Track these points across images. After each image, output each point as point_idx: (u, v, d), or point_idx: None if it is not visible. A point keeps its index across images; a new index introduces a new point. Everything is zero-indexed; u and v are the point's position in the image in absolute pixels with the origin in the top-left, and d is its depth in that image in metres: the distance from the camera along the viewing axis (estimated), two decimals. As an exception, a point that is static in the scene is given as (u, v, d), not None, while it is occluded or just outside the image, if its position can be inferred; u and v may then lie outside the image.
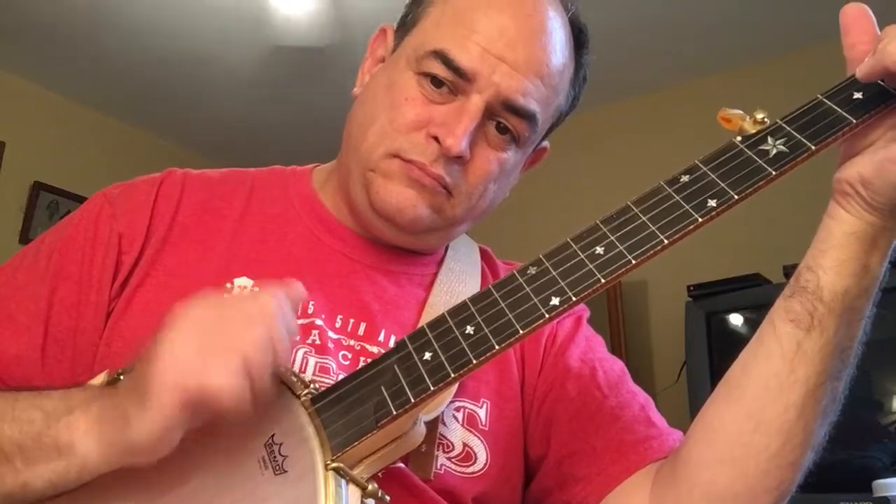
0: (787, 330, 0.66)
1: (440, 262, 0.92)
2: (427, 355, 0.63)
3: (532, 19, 0.82)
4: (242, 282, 0.81)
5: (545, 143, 0.95)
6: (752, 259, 2.48)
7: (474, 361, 0.61)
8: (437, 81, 0.81)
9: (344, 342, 0.81)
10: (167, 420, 0.56)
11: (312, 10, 2.66)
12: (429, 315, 0.83)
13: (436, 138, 0.79)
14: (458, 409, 0.81)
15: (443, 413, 0.78)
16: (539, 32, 0.82)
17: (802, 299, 0.65)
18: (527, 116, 0.83)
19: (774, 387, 0.67)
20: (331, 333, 0.81)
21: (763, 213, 2.36)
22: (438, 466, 0.77)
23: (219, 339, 0.56)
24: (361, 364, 0.78)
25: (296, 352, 0.78)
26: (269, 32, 2.78)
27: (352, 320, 0.82)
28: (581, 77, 0.91)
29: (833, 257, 0.64)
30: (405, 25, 0.88)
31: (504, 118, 0.82)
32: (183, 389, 0.55)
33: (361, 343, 0.81)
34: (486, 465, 0.80)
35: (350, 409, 0.63)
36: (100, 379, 0.71)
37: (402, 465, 0.74)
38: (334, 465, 0.60)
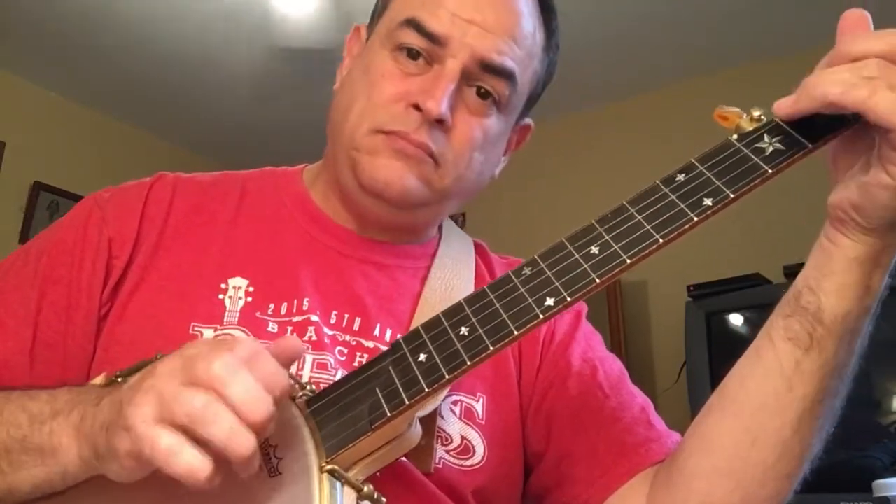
0: (786, 348, 0.66)
1: (433, 255, 0.92)
2: (422, 356, 0.63)
3: None
4: (237, 282, 0.81)
5: (528, 121, 0.95)
6: (752, 259, 2.49)
7: (469, 363, 0.61)
8: (412, 53, 0.82)
9: (339, 338, 0.81)
10: (129, 472, 0.56)
11: (313, 11, 2.66)
12: (423, 308, 0.83)
13: (416, 106, 0.80)
14: (455, 403, 0.81)
15: (441, 407, 0.78)
16: None
17: (802, 320, 0.65)
18: (505, 75, 0.83)
19: (773, 404, 0.67)
20: (326, 330, 0.81)
21: (763, 213, 2.36)
22: (437, 460, 0.77)
23: (166, 407, 0.54)
24: (358, 359, 0.78)
25: None
26: (270, 33, 2.78)
27: (346, 316, 0.83)
28: (554, 44, 0.91)
29: (835, 282, 0.63)
30: (375, 15, 0.90)
31: (482, 81, 0.82)
32: (134, 458, 0.54)
33: (357, 338, 0.81)
34: (483, 458, 0.80)
35: (345, 410, 0.63)
36: (98, 381, 0.70)
37: (403, 458, 0.74)
38: (329, 467, 0.60)
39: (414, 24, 0.81)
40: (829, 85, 0.56)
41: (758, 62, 2.81)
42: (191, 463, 0.53)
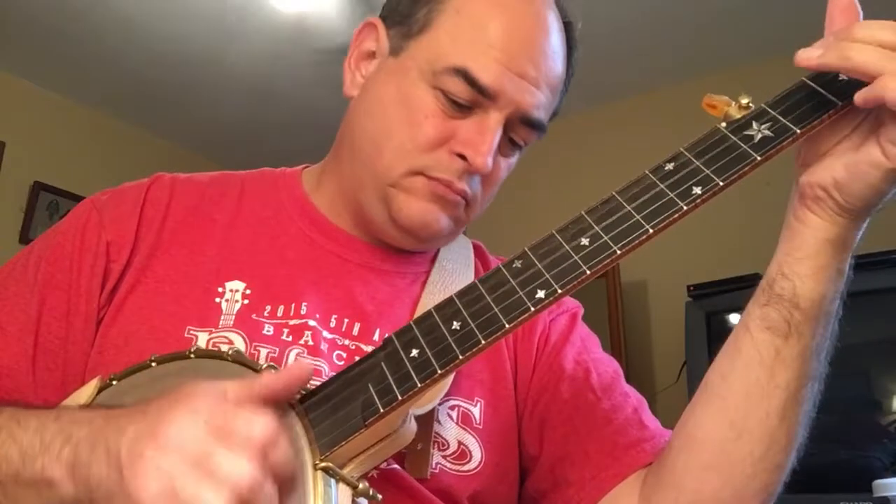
0: (765, 338, 0.66)
1: (433, 260, 0.91)
2: (414, 352, 0.62)
3: (543, 30, 0.82)
4: (234, 285, 0.81)
5: None
6: (752, 259, 2.46)
7: (460, 357, 0.60)
8: (457, 100, 0.80)
9: (339, 342, 0.81)
10: None
11: (313, 10, 2.66)
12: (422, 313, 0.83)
13: (460, 155, 0.80)
14: (452, 408, 0.81)
15: (438, 411, 0.78)
16: (549, 43, 0.83)
17: (779, 307, 0.65)
18: (538, 127, 0.84)
19: (755, 394, 0.67)
20: (325, 333, 0.80)
21: (763, 213, 2.35)
22: (434, 465, 0.77)
23: (187, 495, 0.51)
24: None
25: (288, 352, 0.78)
26: (270, 32, 2.78)
27: (346, 320, 0.82)
28: (570, 74, 0.91)
29: (809, 266, 0.64)
30: (407, 26, 0.85)
31: (516, 133, 0.83)
32: None
33: (356, 343, 0.81)
34: (480, 463, 0.80)
35: (338, 407, 0.63)
36: (92, 384, 0.70)
37: (396, 466, 0.74)
38: (323, 465, 0.60)
39: (464, 75, 0.78)
40: (864, 54, 0.58)
41: (755, 63, 2.80)
42: None
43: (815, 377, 0.68)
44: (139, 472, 0.52)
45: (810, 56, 0.61)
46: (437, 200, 0.81)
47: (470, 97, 0.79)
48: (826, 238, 0.63)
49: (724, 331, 2.29)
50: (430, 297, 0.86)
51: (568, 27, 0.88)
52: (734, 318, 2.34)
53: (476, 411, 0.82)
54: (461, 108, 0.80)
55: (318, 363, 0.77)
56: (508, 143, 0.84)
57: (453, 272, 0.90)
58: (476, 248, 0.97)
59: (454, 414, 0.81)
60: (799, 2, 2.51)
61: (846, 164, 0.61)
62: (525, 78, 0.80)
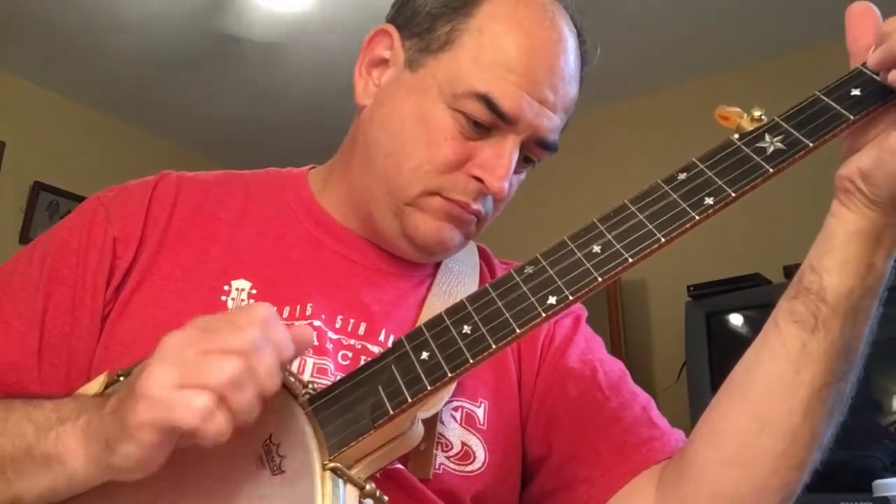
0: (792, 331, 0.66)
1: (438, 263, 0.92)
2: (424, 355, 0.63)
3: (563, 54, 0.83)
4: (241, 284, 0.81)
5: None
6: (752, 259, 2.49)
7: (471, 361, 0.61)
8: (476, 123, 0.80)
9: (344, 342, 0.81)
10: (147, 451, 0.55)
11: (311, 10, 2.66)
12: (427, 314, 0.83)
13: (477, 178, 0.81)
14: (456, 409, 0.81)
15: (441, 412, 0.78)
16: (568, 67, 0.83)
17: (806, 300, 0.65)
18: (552, 149, 0.85)
19: (779, 388, 0.66)
20: (331, 334, 0.81)
21: (763, 213, 2.36)
22: (437, 465, 0.77)
23: (194, 372, 0.55)
24: (362, 363, 0.79)
25: None
26: (269, 32, 2.79)
27: (352, 320, 0.83)
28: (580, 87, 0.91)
29: (836, 258, 0.63)
30: (426, 41, 0.84)
31: (531, 152, 0.84)
32: (158, 426, 0.54)
33: (362, 342, 0.82)
34: (484, 463, 0.80)
35: (347, 409, 0.63)
36: (99, 380, 0.70)
37: (400, 466, 0.74)
38: (331, 465, 0.60)
39: (486, 101, 0.78)
40: None
41: (756, 62, 2.81)
42: (221, 426, 0.54)
43: (842, 377, 0.66)
44: (146, 375, 0.55)
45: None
46: (452, 220, 0.83)
47: (489, 121, 0.80)
48: (855, 230, 0.62)
49: (724, 331, 2.33)
50: (436, 300, 0.86)
51: (580, 41, 0.88)
52: (734, 318, 2.35)
53: (480, 412, 0.82)
54: (480, 130, 0.80)
55: (323, 363, 0.78)
56: (521, 161, 0.84)
57: (459, 274, 0.91)
58: (481, 252, 0.98)
59: (458, 415, 0.81)
60: (799, 3, 2.53)
61: (871, 154, 0.61)
62: (545, 104, 0.81)
